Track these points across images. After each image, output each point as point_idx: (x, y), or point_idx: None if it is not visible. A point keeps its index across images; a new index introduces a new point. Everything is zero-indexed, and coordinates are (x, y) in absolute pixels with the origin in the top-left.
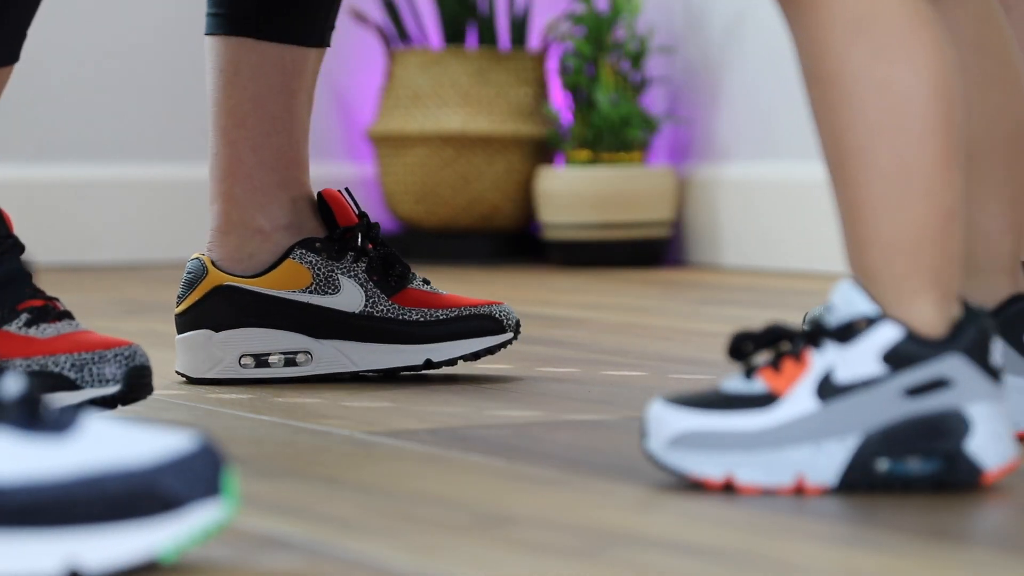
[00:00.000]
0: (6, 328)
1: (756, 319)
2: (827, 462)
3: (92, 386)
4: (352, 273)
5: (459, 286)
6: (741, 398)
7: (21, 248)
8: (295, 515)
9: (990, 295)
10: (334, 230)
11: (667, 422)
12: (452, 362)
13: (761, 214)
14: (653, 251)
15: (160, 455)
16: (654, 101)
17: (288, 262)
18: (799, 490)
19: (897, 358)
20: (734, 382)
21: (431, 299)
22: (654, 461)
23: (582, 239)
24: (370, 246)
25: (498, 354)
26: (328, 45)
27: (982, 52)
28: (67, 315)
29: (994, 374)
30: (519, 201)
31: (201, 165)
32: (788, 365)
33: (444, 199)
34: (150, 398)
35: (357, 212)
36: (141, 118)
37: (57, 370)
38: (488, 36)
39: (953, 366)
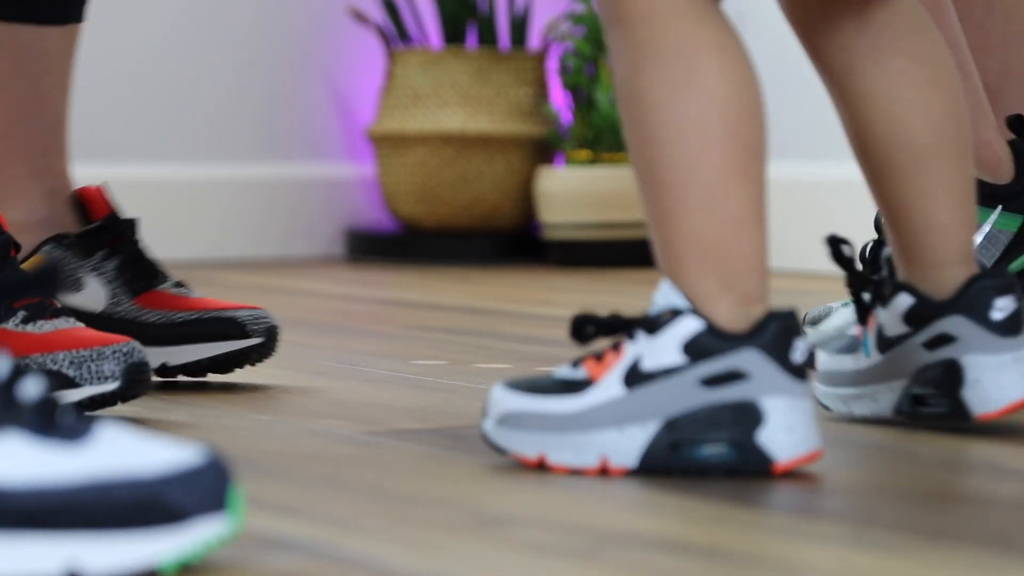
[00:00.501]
0: (3, 325)
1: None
2: (629, 445)
3: (91, 383)
4: (100, 271)
5: (459, 286)
6: (564, 383)
7: (16, 246)
8: (295, 515)
9: (951, 285)
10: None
11: (498, 402)
12: (192, 369)
13: None
14: (653, 251)
15: (169, 467)
16: None
17: (35, 258)
18: (604, 471)
19: (696, 349)
20: (564, 370)
21: (176, 301)
22: (485, 440)
23: (582, 239)
24: (143, 245)
25: (498, 354)
26: (80, 20)
27: (919, 61)
28: (64, 312)
29: (794, 371)
30: (519, 201)
31: (199, 165)
32: (608, 355)
33: (444, 199)
34: (149, 398)
35: (110, 208)
36: (139, 118)
37: (56, 367)
38: (488, 36)
39: (749, 359)
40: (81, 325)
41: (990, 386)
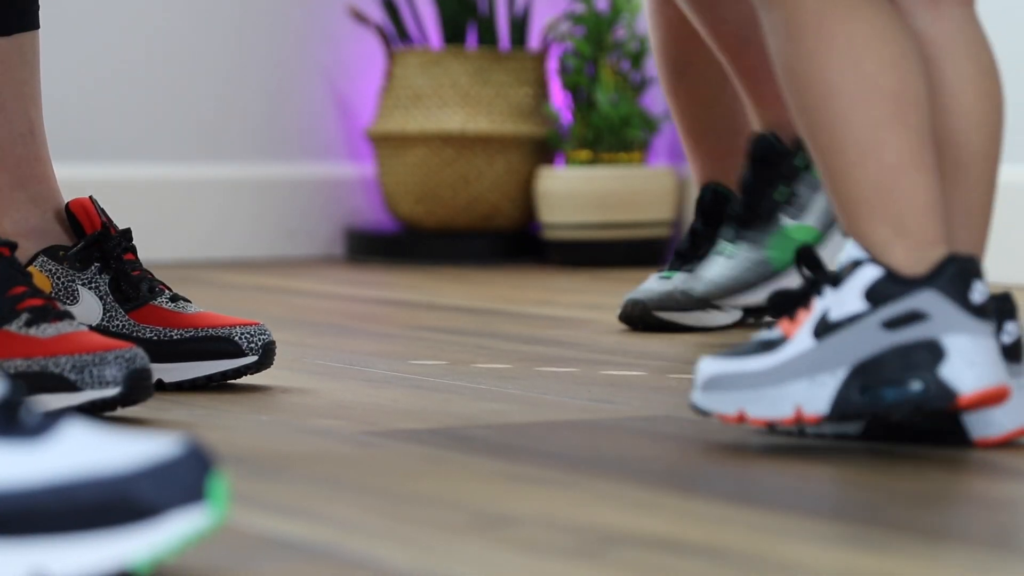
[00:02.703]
0: (6, 328)
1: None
2: (821, 392)
3: (92, 388)
4: (93, 285)
5: (459, 286)
6: (762, 343)
7: (14, 246)
8: (295, 515)
9: None
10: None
11: (701, 370)
12: (187, 387)
13: None
14: (653, 251)
15: (135, 462)
16: (654, 101)
17: (30, 269)
18: (798, 420)
19: (877, 295)
20: (763, 332)
21: (171, 317)
22: (693, 408)
23: (582, 239)
24: (128, 257)
25: (498, 354)
26: (32, 27)
27: (983, 72)
28: (67, 315)
29: (974, 310)
30: (519, 201)
31: (199, 165)
32: (800, 313)
33: (444, 199)
34: (149, 399)
35: (102, 221)
36: (139, 118)
37: (58, 371)
38: (488, 36)
39: (928, 300)
40: (85, 329)
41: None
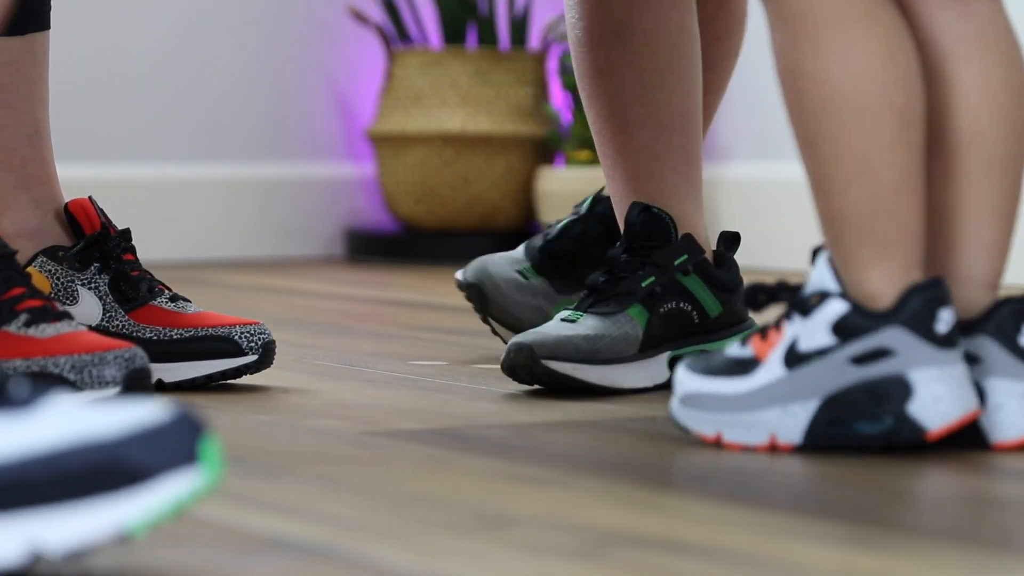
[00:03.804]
0: (5, 328)
1: (756, 319)
2: (793, 422)
3: (92, 388)
4: (93, 285)
5: None
6: (735, 362)
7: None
8: (295, 515)
9: (981, 305)
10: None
11: (681, 383)
12: (187, 387)
13: (761, 214)
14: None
15: (125, 427)
16: None
17: (30, 270)
18: (773, 447)
19: (844, 330)
20: (734, 348)
21: (171, 317)
22: (672, 419)
23: None
24: (127, 257)
25: (498, 354)
26: (42, 28)
27: (1012, 69)
28: (66, 315)
29: (939, 341)
30: (519, 201)
31: (200, 165)
32: (771, 333)
33: (444, 199)
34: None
35: (102, 221)
36: (139, 118)
37: (57, 371)
38: (488, 36)
39: (893, 336)
40: (84, 329)
41: (1015, 412)
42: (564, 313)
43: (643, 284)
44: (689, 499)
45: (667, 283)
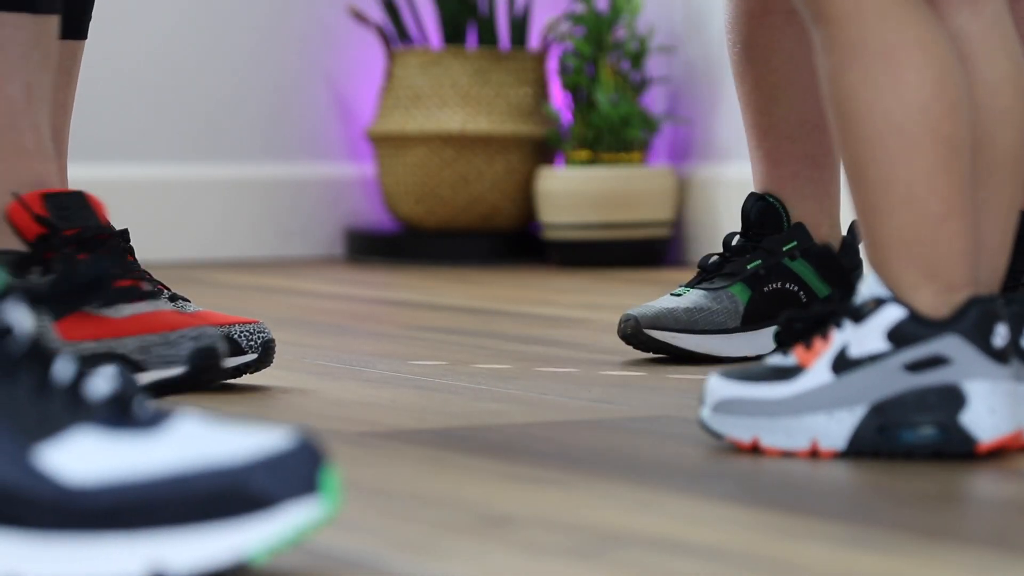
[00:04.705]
0: (84, 308)
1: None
2: (838, 428)
3: (156, 368)
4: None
5: (459, 286)
6: (775, 370)
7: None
8: None
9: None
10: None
11: (713, 391)
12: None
13: None
14: (653, 251)
15: (251, 453)
16: (654, 101)
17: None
18: (814, 453)
19: (900, 336)
20: (776, 357)
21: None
22: (702, 426)
23: (582, 239)
24: (129, 258)
25: (498, 354)
26: (80, 37)
27: (1019, 69)
28: (150, 295)
29: (995, 355)
30: (519, 201)
31: (199, 165)
32: (817, 342)
33: (444, 199)
34: (149, 400)
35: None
36: (139, 118)
37: (122, 352)
38: (488, 36)
39: (951, 345)
40: (168, 308)
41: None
42: (676, 289)
43: (748, 266)
44: (689, 499)
45: (773, 266)
